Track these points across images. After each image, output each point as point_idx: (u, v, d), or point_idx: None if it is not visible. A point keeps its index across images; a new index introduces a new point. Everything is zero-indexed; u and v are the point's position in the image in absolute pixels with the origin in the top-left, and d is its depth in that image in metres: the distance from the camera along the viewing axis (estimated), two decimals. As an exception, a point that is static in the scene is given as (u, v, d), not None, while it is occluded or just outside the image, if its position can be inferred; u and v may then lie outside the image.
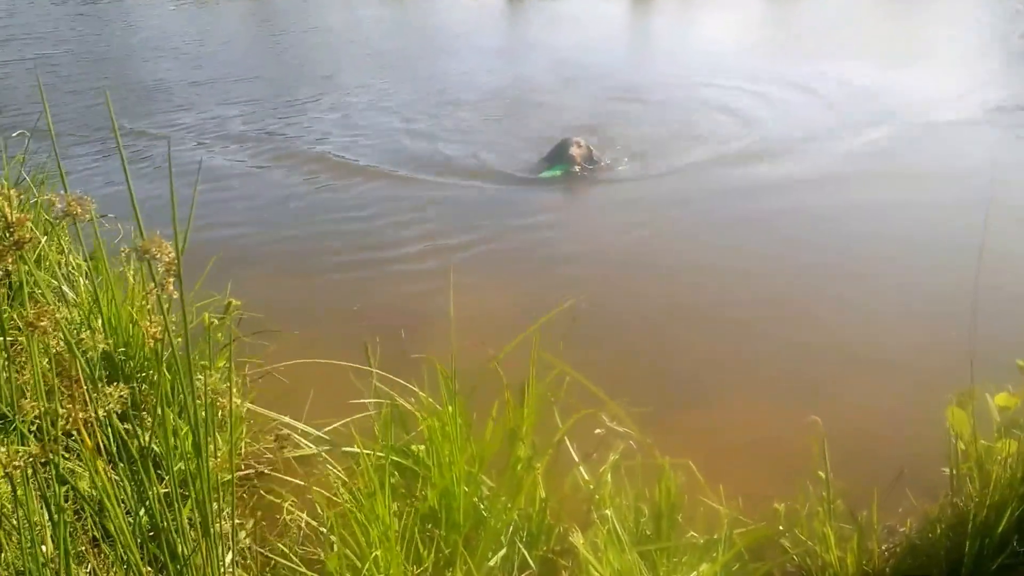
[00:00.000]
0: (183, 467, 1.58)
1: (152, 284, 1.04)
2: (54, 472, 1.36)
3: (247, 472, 2.41)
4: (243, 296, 2.18)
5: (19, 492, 1.37)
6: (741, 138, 6.03)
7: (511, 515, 2.02)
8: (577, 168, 5.25)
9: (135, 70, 8.40)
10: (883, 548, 2.03)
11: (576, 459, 2.20)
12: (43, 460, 1.19)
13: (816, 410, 2.22)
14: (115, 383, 1.25)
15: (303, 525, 2.14)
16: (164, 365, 1.51)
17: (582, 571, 1.87)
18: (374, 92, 7.51)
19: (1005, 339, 2.89)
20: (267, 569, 2.00)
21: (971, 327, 2.13)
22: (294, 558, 1.94)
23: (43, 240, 2.67)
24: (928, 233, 4.30)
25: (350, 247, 4.29)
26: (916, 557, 2.00)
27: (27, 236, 0.95)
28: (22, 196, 1.59)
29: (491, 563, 1.97)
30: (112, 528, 1.48)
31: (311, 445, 2.27)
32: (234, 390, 2.63)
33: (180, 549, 1.55)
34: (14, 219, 0.94)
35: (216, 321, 2.13)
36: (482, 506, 2.07)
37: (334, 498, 2.01)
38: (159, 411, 1.54)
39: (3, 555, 1.59)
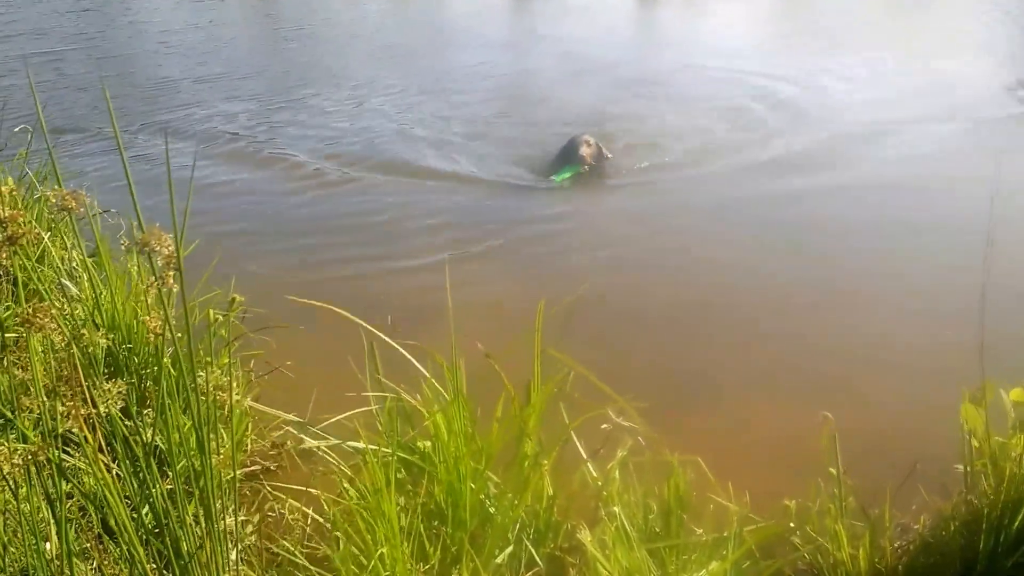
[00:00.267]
0: (187, 464, 1.56)
1: (152, 277, 1.02)
2: (55, 469, 1.35)
3: (253, 468, 2.40)
4: (248, 293, 2.16)
5: (22, 489, 1.36)
6: (748, 136, 5.98)
7: (518, 512, 2.00)
8: (586, 168, 5.16)
9: (141, 66, 8.39)
10: (896, 546, 2.00)
11: (584, 455, 2.18)
12: (41, 457, 1.17)
13: (827, 407, 2.18)
14: (115, 379, 1.23)
15: (309, 522, 2.13)
16: (166, 360, 1.49)
17: (590, 569, 1.85)
18: (381, 88, 7.49)
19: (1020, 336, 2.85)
20: (272, 566, 1.98)
21: (980, 317, 2.10)
22: (299, 555, 1.92)
23: (46, 236, 2.66)
24: (940, 229, 4.25)
25: (358, 245, 4.27)
26: (929, 555, 1.97)
27: (20, 232, 0.93)
28: (15, 191, 1.58)
29: (498, 560, 1.95)
30: (115, 525, 1.46)
31: (316, 441, 2.26)
32: (239, 386, 2.63)
33: (184, 546, 1.53)
34: (6, 215, 0.92)
35: (220, 318, 2.11)
36: (488, 503, 2.05)
37: (340, 498, 1.99)
38: (162, 406, 1.52)
39: (8, 552, 1.58)
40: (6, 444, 1.21)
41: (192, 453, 1.53)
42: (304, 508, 2.16)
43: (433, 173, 5.31)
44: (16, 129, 3.49)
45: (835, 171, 5.14)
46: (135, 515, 1.64)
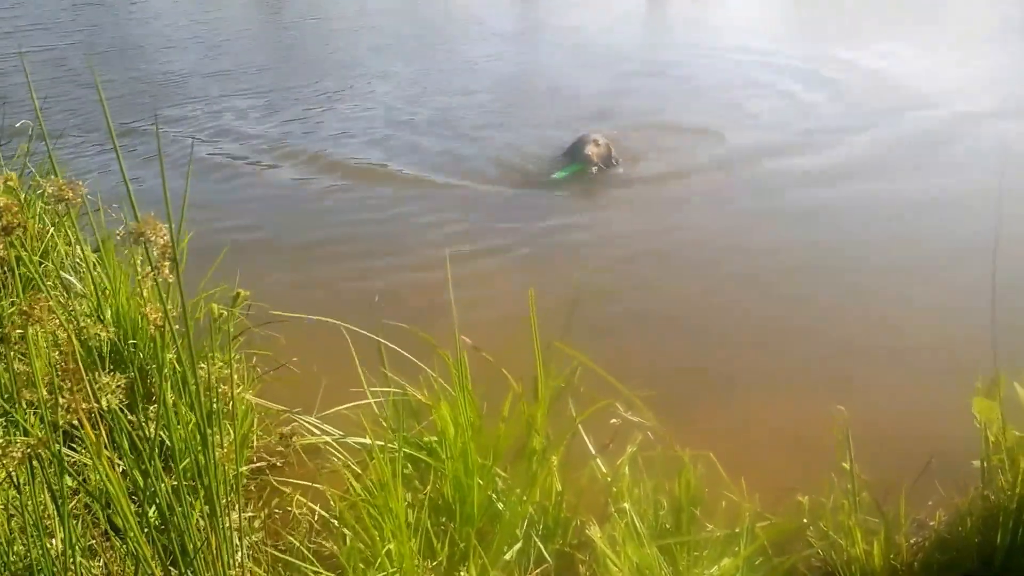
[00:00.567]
0: (191, 459, 1.54)
1: (148, 268, 1.00)
2: (58, 465, 1.33)
3: (258, 464, 2.38)
4: (255, 288, 2.14)
5: (26, 487, 1.34)
6: (756, 132, 5.92)
7: (526, 508, 1.97)
8: (594, 169, 5.03)
9: (146, 62, 8.38)
10: (911, 542, 1.97)
11: (592, 451, 2.15)
12: (40, 452, 1.15)
13: (840, 402, 2.16)
14: (114, 373, 1.22)
15: (315, 518, 2.11)
16: (169, 353, 1.47)
17: (600, 565, 1.82)
18: (388, 82, 7.45)
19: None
20: (278, 563, 1.96)
21: (991, 307, 2.05)
22: (305, 551, 1.91)
23: (51, 230, 2.65)
24: (951, 226, 4.20)
25: (365, 241, 4.24)
26: (945, 551, 1.94)
27: (15, 222, 0.91)
28: (12, 182, 1.56)
29: (506, 557, 1.93)
30: (120, 521, 1.45)
31: (323, 435, 2.24)
32: (242, 381, 2.61)
33: (188, 543, 1.52)
34: (1, 205, 0.90)
35: (224, 313, 2.09)
36: (496, 499, 2.03)
37: (346, 495, 1.97)
38: (163, 400, 1.50)
39: (12, 549, 1.56)
40: (6, 439, 1.19)
41: (197, 448, 1.51)
42: (311, 504, 2.14)
43: (440, 169, 5.27)
44: (17, 124, 3.48)
45: (860, 173, 5.03)
46: (141, 511, 1.63)
